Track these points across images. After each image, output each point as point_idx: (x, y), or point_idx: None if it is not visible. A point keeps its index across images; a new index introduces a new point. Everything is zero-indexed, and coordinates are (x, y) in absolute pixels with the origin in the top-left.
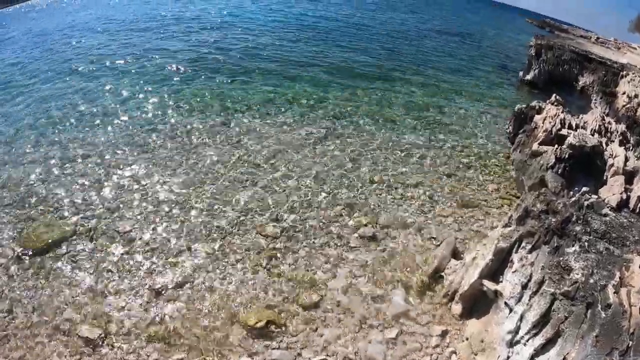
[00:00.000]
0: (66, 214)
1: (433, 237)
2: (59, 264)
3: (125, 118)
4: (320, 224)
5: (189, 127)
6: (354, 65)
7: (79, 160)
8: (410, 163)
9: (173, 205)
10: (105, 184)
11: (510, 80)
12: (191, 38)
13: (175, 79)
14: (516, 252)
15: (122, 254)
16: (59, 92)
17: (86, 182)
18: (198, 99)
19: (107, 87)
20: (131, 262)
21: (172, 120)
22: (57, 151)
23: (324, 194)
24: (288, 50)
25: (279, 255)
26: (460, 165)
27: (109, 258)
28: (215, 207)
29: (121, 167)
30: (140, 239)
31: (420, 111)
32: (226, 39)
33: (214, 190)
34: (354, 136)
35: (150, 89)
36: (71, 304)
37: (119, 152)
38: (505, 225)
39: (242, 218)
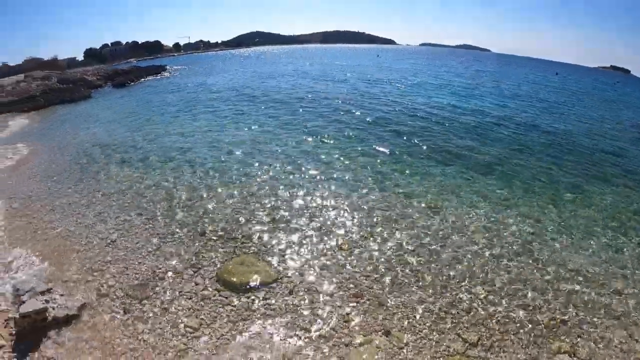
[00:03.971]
0: (273, 258)
1: None
2: (254, 307)
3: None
4: (520, 339)
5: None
6: (549, 170)
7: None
8: (612, 291)
9: (377, 281)
10: (319, 239)
11: None
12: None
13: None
14: None
15: (318, 314)
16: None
17: (302, 233)
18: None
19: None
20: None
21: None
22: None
23: (525, 310)
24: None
25: None
26: None
27: (305, 315)
28: (439, 290)
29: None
30: (339, 306)
31: (621, 228)
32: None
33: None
34: (548, 243)
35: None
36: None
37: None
38: None
39: (442, 314)
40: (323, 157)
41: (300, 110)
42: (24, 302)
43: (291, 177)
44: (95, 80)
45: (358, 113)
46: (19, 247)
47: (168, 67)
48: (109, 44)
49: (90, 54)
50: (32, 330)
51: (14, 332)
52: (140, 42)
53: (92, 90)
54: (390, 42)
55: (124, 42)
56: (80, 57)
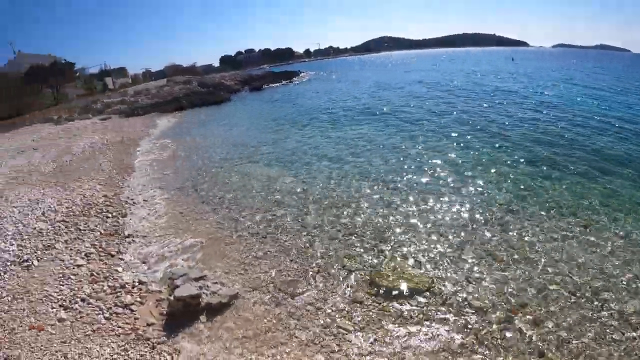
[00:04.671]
0: (426, 265)
1: None
2: (406, 314)
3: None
4: None
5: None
6: None
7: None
8: None
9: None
10: (472, 249)
11: None
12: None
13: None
14: None
15: (470, 328)
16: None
17: (454, 241)
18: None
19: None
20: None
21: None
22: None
23: None
24: None
25: None
26: None
27: (457, 327)
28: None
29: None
30: (491, 322)
31: None
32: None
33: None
34: None
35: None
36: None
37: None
38: None
39: (599, 339)
40: (462, 169)
41: (434, 126)
42: (177, 286)
43: (436, 187)
44: (234, 85)
45: (501, 132)
46: (173, 234)
47: (301, 72)
48: (243, 52)
49: (225, 60)
50: (184, 313)
51: (164, 312)
52: (272, 49)
53: (231, 94)
54: (522, 44)
55: (256, 50)
56: (216, 64)
